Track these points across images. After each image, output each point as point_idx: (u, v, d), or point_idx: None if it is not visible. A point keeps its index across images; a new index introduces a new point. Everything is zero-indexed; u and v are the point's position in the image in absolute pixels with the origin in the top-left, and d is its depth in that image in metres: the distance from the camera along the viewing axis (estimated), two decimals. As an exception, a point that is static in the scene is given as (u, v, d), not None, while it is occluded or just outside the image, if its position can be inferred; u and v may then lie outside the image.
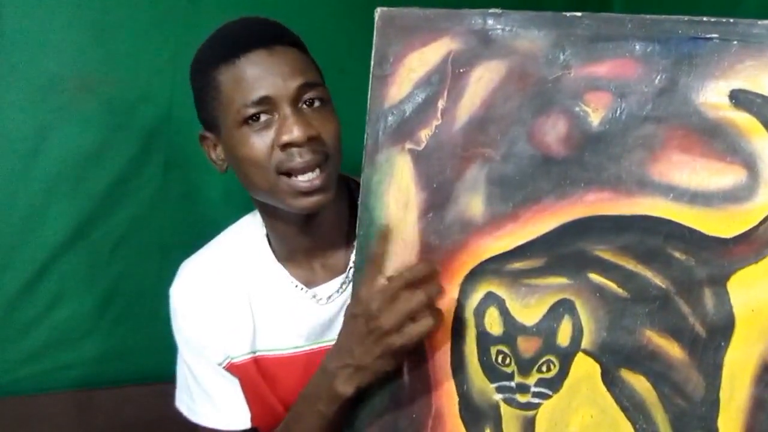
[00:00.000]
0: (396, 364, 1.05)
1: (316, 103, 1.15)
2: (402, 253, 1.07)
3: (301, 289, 1.26)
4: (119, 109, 1.66)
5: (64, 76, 1.61)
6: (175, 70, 1.68)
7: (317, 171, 1.14)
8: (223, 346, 1.27)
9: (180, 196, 1.73)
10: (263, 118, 1.13)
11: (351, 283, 1.17)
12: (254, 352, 1.27)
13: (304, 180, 1.13)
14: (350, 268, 1.23)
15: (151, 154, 1.70)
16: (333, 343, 1.10)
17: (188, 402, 1.33)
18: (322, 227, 1.23)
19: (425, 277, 1.02)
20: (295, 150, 1.12)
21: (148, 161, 1.70)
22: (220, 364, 1.28)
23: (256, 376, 1.27)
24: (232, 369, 1.28)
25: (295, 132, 1.10)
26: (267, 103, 1.12)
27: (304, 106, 1.14)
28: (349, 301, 1.09)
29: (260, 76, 1.12)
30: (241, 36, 1.16)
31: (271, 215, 1.24)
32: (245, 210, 1.35)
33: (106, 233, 1.67)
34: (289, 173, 1.13)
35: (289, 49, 1.15)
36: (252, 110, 1.12)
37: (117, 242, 1.69)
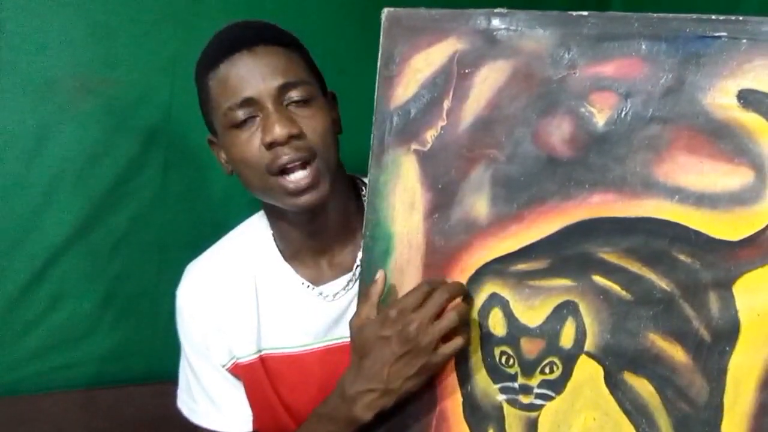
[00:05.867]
0: (421, 385, 1.06)
1: (302, 101, 1.15)
2: (407, 253, 1.07)
3: (308, 286, 1.26)
4: (119, 109, 1.66)
5: (64, 76, 1.61)
6: (175, 70, 1.67)
7: (307, 169, 1.14)
8: (229, 347, 1.27)
9: (180, 196, 1.72)
10: (250, 119, 1.14)
11: (358, 282, 1.18)
12: (260, 351, 1.27)
13: (291, 181, 1.14)
14: (357, 266, 1.24)
15: (151, 154, 1.69)
16: (340, 341, 1.10)
17: (189, 403, 1.33)
18: (329, 226, 1.24)
19: (456, 294, 1.04)
20: (279, 148, 1.13)
21: (148, 161, 1.69)
22: (224, 366, 1.28)
23: (261, 376, 1.27)
24: (238, 370, 1.28)
25: (276, 130, 1.11)
26: (251, 104, 1.13)
27: (292, 104, 1.15)
28: (355, 315, 1.09)
29: (242, 77, 1.13)
30: (225, 40, 1.17)
31: (276, 216, 1.25)
32: (245, 210, 1.35)
33: (106, 233, 1.67)
34: (279, 172, 1.14)
35: (271, 48, 1.15)
36: (238, 112, 1.14)
37: (117, 242, 1.68)
